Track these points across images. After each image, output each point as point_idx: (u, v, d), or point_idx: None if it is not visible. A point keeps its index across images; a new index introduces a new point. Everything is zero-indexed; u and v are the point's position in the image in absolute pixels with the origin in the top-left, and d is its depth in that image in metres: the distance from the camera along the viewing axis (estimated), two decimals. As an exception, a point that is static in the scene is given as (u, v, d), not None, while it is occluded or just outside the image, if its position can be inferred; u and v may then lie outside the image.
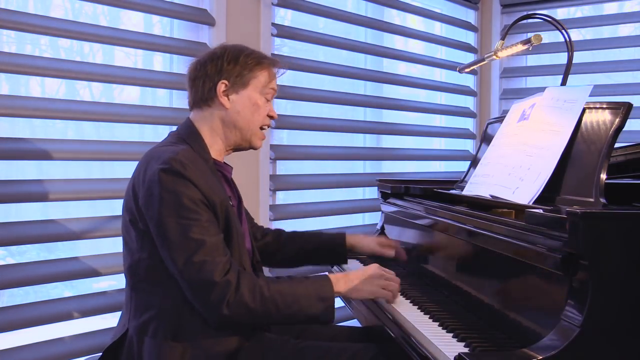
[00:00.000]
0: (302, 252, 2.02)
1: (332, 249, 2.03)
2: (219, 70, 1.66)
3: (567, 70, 2.11)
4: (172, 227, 1.46)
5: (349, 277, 1.64)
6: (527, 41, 2.03)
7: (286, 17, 2.90)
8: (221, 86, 1.65)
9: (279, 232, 2.05)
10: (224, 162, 1.72)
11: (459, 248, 1.73)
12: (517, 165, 1.68)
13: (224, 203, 1.56)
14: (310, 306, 1.54)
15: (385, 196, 2.39)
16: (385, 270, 1.70)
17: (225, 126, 1.67)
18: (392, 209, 2.30)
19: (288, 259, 2.03)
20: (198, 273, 1.45)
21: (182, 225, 1.46)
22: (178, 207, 1.47)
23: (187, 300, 1.51)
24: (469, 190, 1.89)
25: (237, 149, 1.73)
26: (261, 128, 1.72)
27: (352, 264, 2.16)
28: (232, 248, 1.58)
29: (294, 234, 2.05)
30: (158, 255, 1.51)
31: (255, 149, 1.75)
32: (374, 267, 1.69)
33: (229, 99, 1.66)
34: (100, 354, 1.59)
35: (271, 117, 1.73)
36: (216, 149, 1.68)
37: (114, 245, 2.18)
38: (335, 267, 2.22)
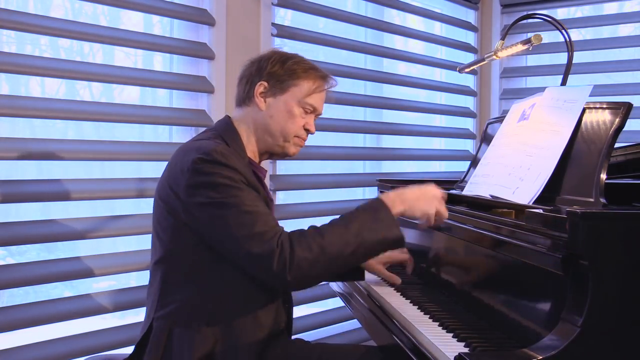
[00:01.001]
0: None
1: None
2: (262, 71, 1.64)
3: (567, 70, 2.11)
4: (225, 207, 1.43)
5: (404, 196, 1.55)
6: (527, 41, 2.03)
7: (286, 17, 2.90)
8: (259, 87, 1.63)
9: None
10: (259, 164, 1.69)
11: (459, 248, 1.73)
12: (517, 165, 1.68)
13: (264, 197, 1.55)
14: (374, 232, 1.46)
15: (385, 196, 2.39)
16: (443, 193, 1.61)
17: (259, 129, 1.65)
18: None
19: None
20: (261, 244, 1.41)
21: (234, 202, 1.44)
22: (225, 187, 1.45)
23: (219, 291, 1.51)
24: (469, 190, 1.89)
25: (271, 154, 1.71)
26: (296, 137, 1.67)
27: None
28: None
29: None
30: (193, 247, 1.50)
31: (289, 156, 1.71)
32: (432, 186, 1.61)
33: (265, 102, 1.64)
34: (102, 353, 1.59)
35: (308, 131, 1.69)
36: (251, 150, 1.66)
37: (114, 245, 2.18)
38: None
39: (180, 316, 1.52)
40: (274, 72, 1.63)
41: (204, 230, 1.48)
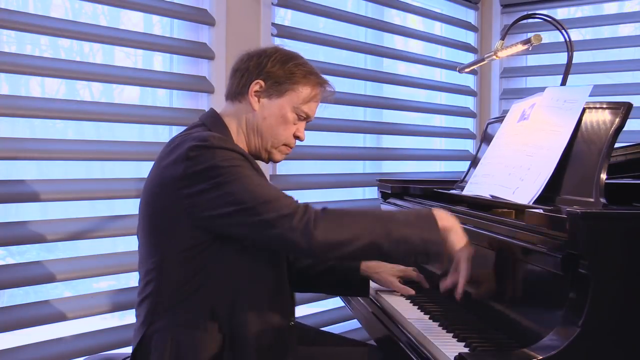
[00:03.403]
0: (305, 276, 1.78)
1: (344, 276, 1.80)
2: (261, 68, 1.55)
3: (567, 70, 2.11)
4: (229, 184, 1.36)
5: (450, 218, 1.47)
6: (527, 41, 2.03)
7: (286, 17, 2.90)
8: (255, 85, 1.55)
9: None
10: None
11: (459, 248, 1.73)
12: (517, 165, 1.68)
13: None
14: (415, 225, 1.38)
15: (385, 196, 2.39)
16: None
17: (249, 129, 1.57)
18: (392, 209, 2.30)
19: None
20: (280, 207, 1.34)
21: (239, 178, 1.36)
22: (226, 168, 1.37)
23: (221, 289, 1.43)
24: (469, 190, 1.89)
25: (256, 157, 1.62)
26: (284, 145, 1.60)
27: None
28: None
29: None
30: (188, 251, 1.42)
31: (274, 162, 1.65)
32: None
33: (259, 102, 1.56)
34: (101, 353, 1.59)
35: (297, 138, 1.61)
36: (240, 146, 1.56)
37: (114, 245, 2.18)
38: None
39: (180, 318, 1.43)
40: (273, 72, 1.55)
41: (207, 220, 1.38)
